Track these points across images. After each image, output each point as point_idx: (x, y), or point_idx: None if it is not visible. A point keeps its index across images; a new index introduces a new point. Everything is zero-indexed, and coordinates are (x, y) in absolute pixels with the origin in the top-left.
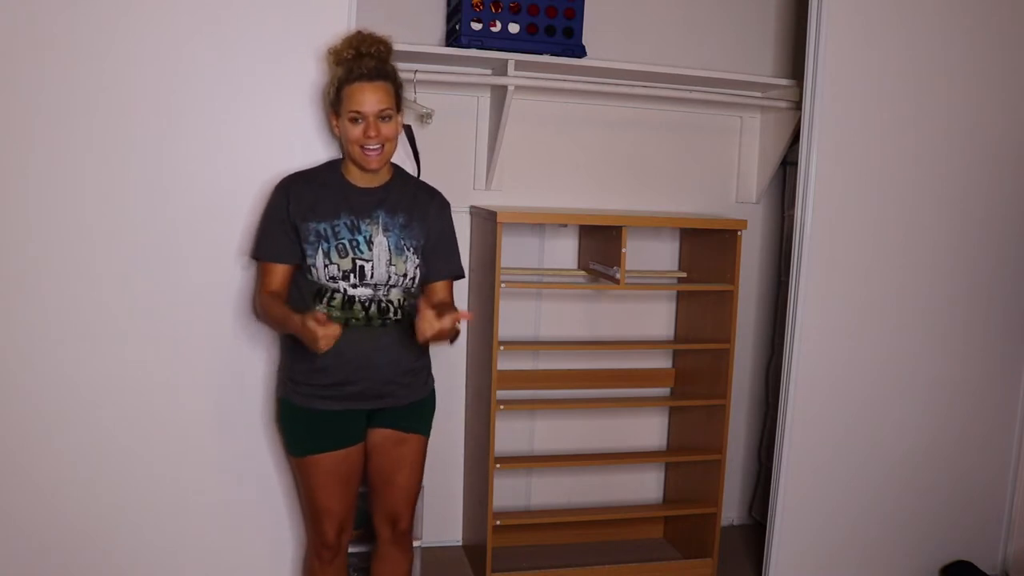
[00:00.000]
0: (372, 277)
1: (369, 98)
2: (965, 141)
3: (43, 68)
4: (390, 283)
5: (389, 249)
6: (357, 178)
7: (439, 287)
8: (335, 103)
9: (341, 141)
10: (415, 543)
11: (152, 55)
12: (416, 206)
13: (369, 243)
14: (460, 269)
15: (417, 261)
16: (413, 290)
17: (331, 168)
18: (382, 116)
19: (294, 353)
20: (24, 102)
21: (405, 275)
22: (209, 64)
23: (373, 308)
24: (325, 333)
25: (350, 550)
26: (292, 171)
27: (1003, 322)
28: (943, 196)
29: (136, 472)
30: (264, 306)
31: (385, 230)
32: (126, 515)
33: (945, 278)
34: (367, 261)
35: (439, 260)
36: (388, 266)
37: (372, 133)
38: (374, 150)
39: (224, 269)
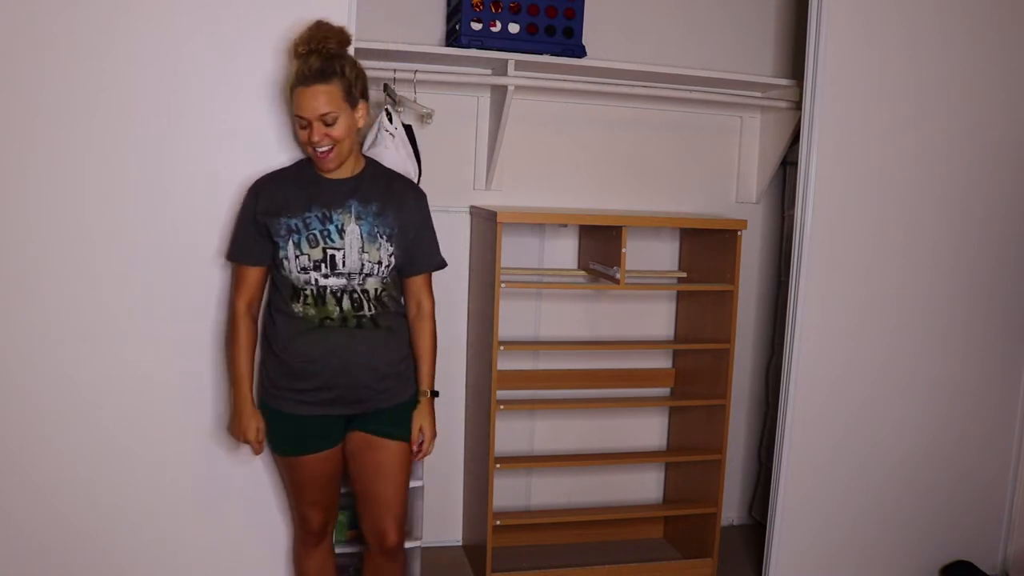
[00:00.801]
0: (344, 266)
1: (310, 103)
2: (965, 141)
3: (43, 68)
4: (364, 271)
5: (361, 237)
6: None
7: (418, 282)
8: (290, 100)
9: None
10: (415, 543)
11: (152, 55)
12: (391, 196)
13: (340, 232)
14: (441, 260)
15: (391, 249)
16: (387, 280)
17: (303, 164)
18: (326, 120)
19: (272, 357)
20: (24, 102)
21: (380, 263)
22: (209, 64)
23: (347, 302)
24: (247, 440)
25: (345, 550)
26: (281, 164)
27: (1003, 322)
28: (943, 196)
29: (136, 472)
30: (234, 340)
31: (358, 218)
32: (126, 515)
33: (945, 278)
34: (338, 250)
35: (420, 254)
36: (360, 254)
37: (316, 138)
38: (324, 151)
39: (224, 269)
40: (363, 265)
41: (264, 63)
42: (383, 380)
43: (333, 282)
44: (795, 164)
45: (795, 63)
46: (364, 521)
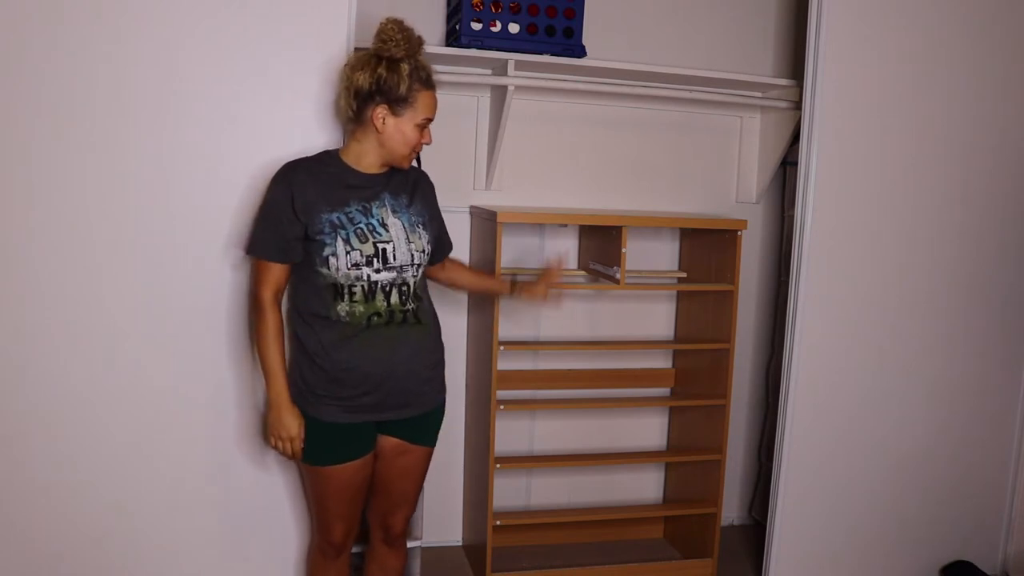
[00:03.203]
0: (396, 259)
1: (436, 106)
2: (965, 141)
3: (43, 68)
4: (413, 262)
5: (404, 228)
6: (363, 165)
7: (437, 266)
8: (399, 102)
9: (384, 137)
10: (415, 543)
11: (152, 55)
12: (416, 187)
13: (384, 225)
14: (450, 242)
15: (428, 236)
16: (421, 269)
17: (329, 156)
18: None
19: (308, 363)
20: (24, 102)
21: (423, 251)
22: (209, 64)
23: (395, 295)
24: (287, 449)
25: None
26: (288, 159)
27: (1003, 322)
28: (943, 196)
29: (136, 472)
30: (263, 333)
31: (394, 212)
32: (126, 515)
33: (945, 278)
34: (387, 243)
35: (443, 239)
36: (408, 244)
37: (427, 140)
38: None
39: (224, 269)
40: (412, 256)
41: (264, 62)
42: (423, 384)
43: (384, 276)
44: (795, 164)
45: (795, 63)
46: (373, 511)
